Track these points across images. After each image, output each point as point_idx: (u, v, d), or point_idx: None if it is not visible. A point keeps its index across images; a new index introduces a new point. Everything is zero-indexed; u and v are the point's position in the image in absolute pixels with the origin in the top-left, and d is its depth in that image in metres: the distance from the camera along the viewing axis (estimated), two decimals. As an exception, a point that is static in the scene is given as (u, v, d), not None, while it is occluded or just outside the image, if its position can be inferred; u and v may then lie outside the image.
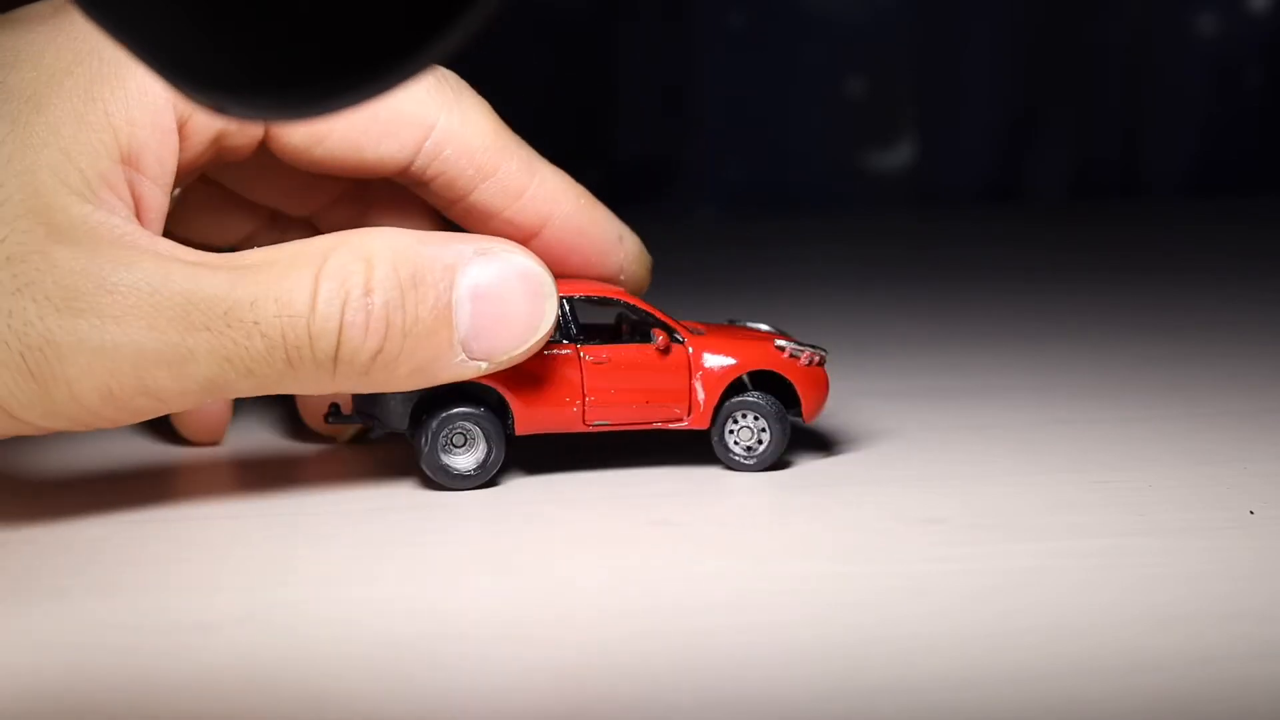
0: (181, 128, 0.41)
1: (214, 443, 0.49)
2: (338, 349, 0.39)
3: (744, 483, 0.44)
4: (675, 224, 1.13)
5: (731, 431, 0.45)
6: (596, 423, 0.44)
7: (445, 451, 0.43)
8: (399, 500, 0.43)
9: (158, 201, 0.40)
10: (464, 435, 0.43)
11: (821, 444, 0.48)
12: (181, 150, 0.41)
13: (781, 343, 0.45)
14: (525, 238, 0.44)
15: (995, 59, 1.32)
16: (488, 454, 0.43)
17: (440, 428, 0.43)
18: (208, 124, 0.41)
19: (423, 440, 0.43)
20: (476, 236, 0.42)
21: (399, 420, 0.43)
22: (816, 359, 0.46)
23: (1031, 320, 0.76)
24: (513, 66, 1.26)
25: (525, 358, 0.41)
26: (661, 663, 0.31)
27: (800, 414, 0.45)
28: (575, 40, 1.31)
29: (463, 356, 0.40)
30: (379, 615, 0.34)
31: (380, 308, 0.39)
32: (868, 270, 0.96)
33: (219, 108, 0.20)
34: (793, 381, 0.45)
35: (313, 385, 0.40)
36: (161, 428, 0.50)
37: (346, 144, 0.43)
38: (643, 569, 0.37)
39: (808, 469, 0.45)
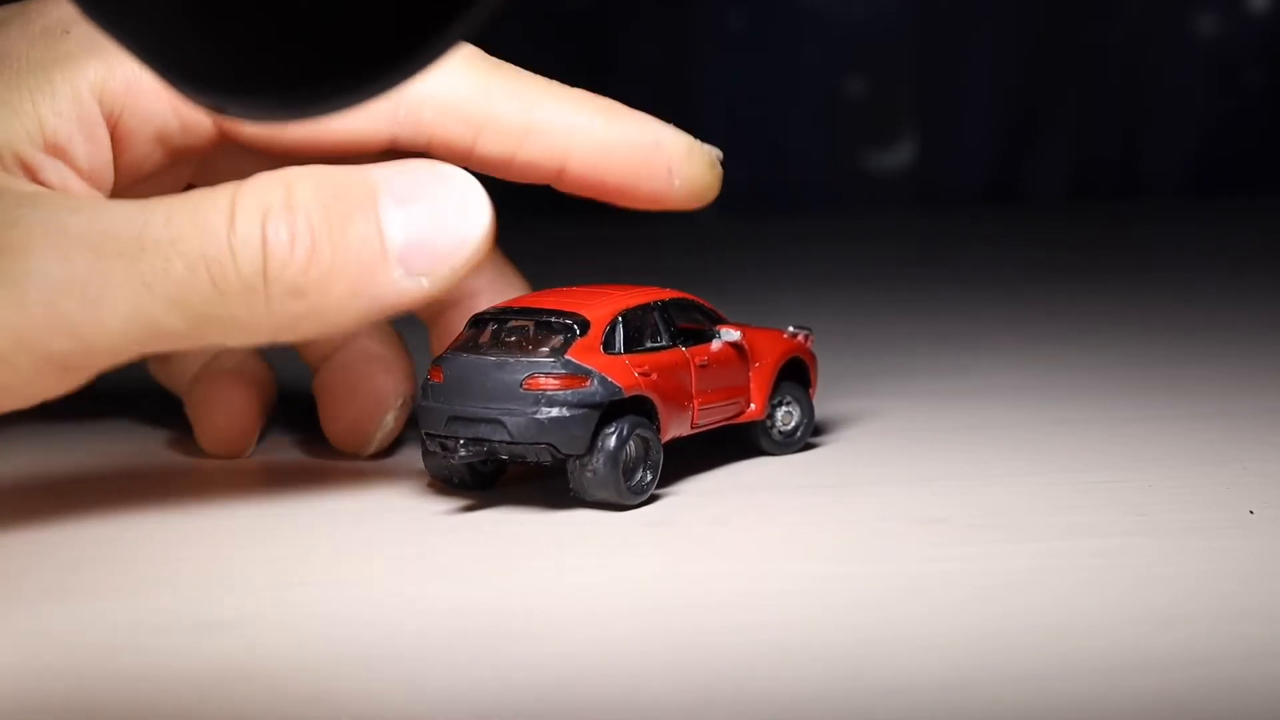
0: (114, 128, 0.40)
1: (238, 455, 0.47)
2: (265, 265, 0.36)
3: (742, 483, 0.44)
4: (675, 224, 1.13)
5: (772, 417, 0.46)
6: (700, 424, 0.44)
7: (624, 468, 0.40)
8: (399, 501, 0.43)
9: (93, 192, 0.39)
10: (640, 447, 0.41)
11: (820, 444, 0.48)
12: (121, 151, 0.40)
13: (791, 329, 0.47)
14: (553, 174, 0.42)
15: (996, 59, 1.32)
16: (657, 465, 0.41)
17: (621, 442, 0.40)
18: (144, 123, 0.40)
19: (599, 460, 0.40)
20: (397, 161, 0.39)
21: (579, 444, 0.40)
22: (812, 339, 0.48)
23: (1031, 320, 0.76)
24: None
25: (468, 271, 0.38)
26: (661, 663, 0.31)
27: (809, 392, 0.48)
28: (574, 39, 1.31)
29: (401, 271, 0.37)
30: (380, 615, 0.34)
31: (304, 221, 0.36)
32: (868, 270, 0.96)
33: (218, 107, 0.20)
34: (809, 364, 0.48)
35: (247, 313, 0.36)
36: (175, 435, 0.49)
37: (311, 126, 0.40)
38: (641, 569, 0.37)
39: (808, 469, 0.45)
